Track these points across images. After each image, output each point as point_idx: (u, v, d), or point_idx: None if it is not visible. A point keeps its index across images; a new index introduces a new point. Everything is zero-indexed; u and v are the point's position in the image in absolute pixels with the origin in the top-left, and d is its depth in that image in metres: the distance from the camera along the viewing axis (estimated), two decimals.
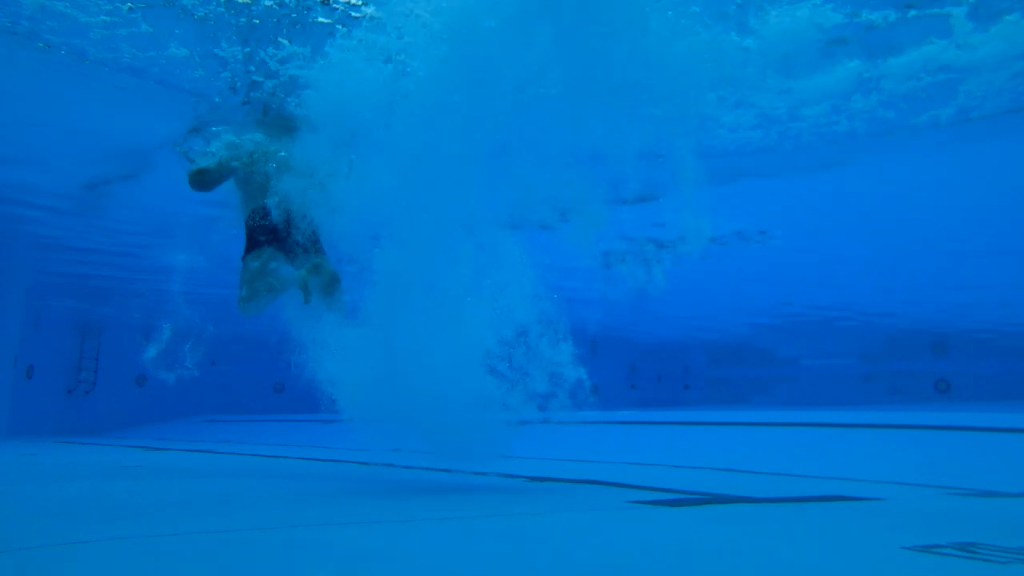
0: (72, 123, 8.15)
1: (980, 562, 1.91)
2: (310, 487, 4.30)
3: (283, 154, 5.14)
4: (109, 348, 20.28)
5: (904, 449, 6.16)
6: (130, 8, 5.66)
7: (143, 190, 10.49)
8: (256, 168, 5.05)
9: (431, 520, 2.73)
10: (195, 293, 14.42)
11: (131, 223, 11.84)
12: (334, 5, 5.68)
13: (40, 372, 19.06)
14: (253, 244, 4.94)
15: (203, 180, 5.10)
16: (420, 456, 7.53)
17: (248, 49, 6.12)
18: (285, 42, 5.98)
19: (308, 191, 4.62)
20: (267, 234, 4.89)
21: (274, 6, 5.66)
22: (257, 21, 5.78)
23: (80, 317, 19.76)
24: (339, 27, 5.83)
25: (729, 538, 2.39)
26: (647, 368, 27.75)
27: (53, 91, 7.33)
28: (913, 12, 5.68)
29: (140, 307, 16.68)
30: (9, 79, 7.12)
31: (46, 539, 2.30)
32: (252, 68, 6.37)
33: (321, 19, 5.79)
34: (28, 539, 2.30)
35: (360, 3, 5.64)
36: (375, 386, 3.76)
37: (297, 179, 4.74)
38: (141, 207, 11.14)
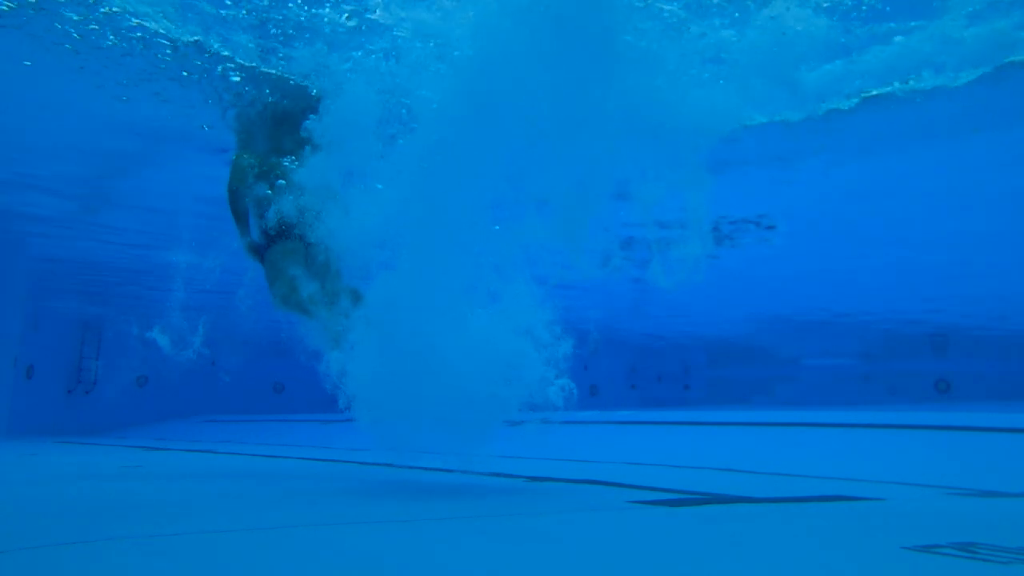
0: (74, 116, 8.08)
1: (980, 562, 1.91)
2: (310, 487, 4.30)
3: (287, 164, 5.20)
4: (109, 348, 20.30)
5: (904, 449, 6.16)
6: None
7: (146, 189, 10.48)
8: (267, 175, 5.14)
9: (431, 520, 2.73)
10: (195, 294, 14.43)
11: (134, 222, 11.84)
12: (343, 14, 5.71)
13: (40, 372, 19.06)
14: (269, 241, 4.96)
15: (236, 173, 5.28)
16: (420, 456, 7.53)
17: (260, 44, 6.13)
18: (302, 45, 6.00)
19: (321, 199, 4.67)
20: (281, 232, 4.91)
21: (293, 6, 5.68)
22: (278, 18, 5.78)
23: (80, 317, 19.77)
24: (354, 34, 5.86)
25: (729, 538, 2.39)
26: (647, 368, 27.76)
27: (53, 80, 7.24)
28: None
29: (140, 307, 16.70)
30: (4, 71, 7.04)
31: (46, 539, 2.29)
32: (264, 64, 6.35)
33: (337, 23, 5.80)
34: (28, 539, 2.30)
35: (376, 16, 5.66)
36: (383, 384, 3.75)
37: (309, 189, 4.78)
38: (144, 206, 11.14)
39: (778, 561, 1.99)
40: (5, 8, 5.72)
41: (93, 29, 6.08)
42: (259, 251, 5.23)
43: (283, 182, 5.12)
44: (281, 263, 4.85)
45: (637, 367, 27.65)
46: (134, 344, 14.28)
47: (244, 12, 5.74)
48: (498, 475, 4.95)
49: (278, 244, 4.94)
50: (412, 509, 3.10)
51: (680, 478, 4.93)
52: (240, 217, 5.32)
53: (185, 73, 6.80)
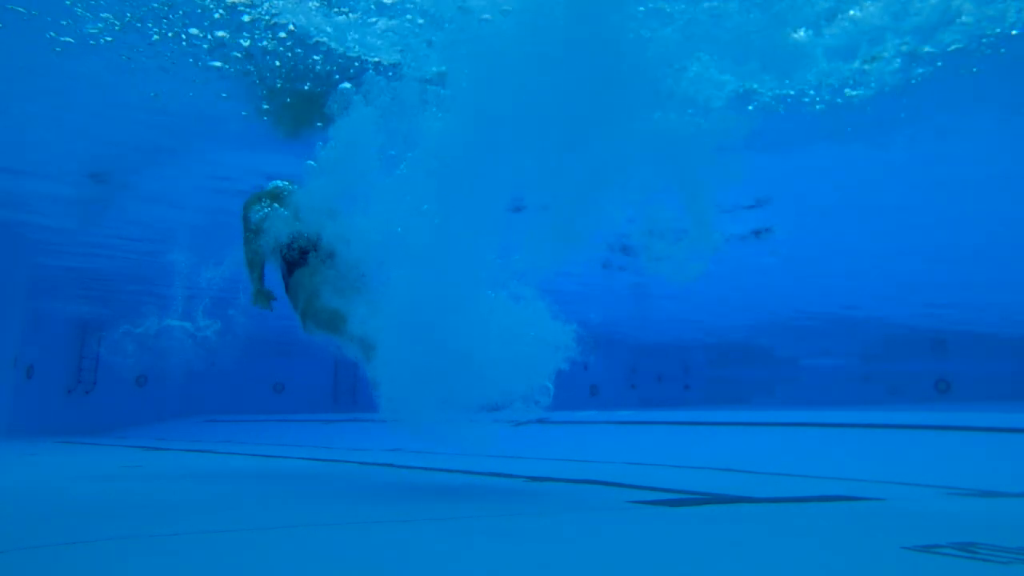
0: (76, 115, 7.99)
1: (980, 562, 1.91)
2: (310, 487, 4.30)
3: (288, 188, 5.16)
4: (109, 348, 20.32)
5: (904, 449, 6.16)
6: None
7: (148, 189, 10.47)
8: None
9: (431, 520, 2.73)
10: (196, 294, 14.44)
11: (136, 223, 11.84)
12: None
13: (40, 372, 19.07)
14: (294, 264, 4.91)
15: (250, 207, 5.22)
16: (420, 456, 7.52)
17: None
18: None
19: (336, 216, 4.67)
20: (303, 251, 4.88)
21: None
22: None
23: (80, 317, 19.79)
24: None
25: (729, 538, 2.39)
26: (647, 368, 27.77)
27: (55, 80, 7.11)
28: None
29: (140, 308, 16.73)
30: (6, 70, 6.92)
31: (46, 539, 2.29)
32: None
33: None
34: (28, 539, 2.30)
35: None
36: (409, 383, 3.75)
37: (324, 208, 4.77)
38: (146, 207, 11.13)
39: (778, 561, 1.99)
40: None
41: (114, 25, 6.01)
42: (270, 296, 5.15)
43: (284, 207, 5.05)
44: (305, 287, 4.81)
45: (637, 367, 27.66)
46: (134, 344, 14.29)
47: None
48: (498, 475, 4.95)
49: (299, 268, 4.90)
50: (412, 509, 3.10)
51: (680, 478, 4.93)
52: (256, 264, 5.18)
53: (217, 63, 6.69)
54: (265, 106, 7.49)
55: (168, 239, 12.60)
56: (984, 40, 6.24)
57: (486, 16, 3.51)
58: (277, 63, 6.79)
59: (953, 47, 6.35)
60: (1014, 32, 6.12)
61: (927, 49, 6.42)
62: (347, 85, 4.81)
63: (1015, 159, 8.78)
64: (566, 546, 2.21)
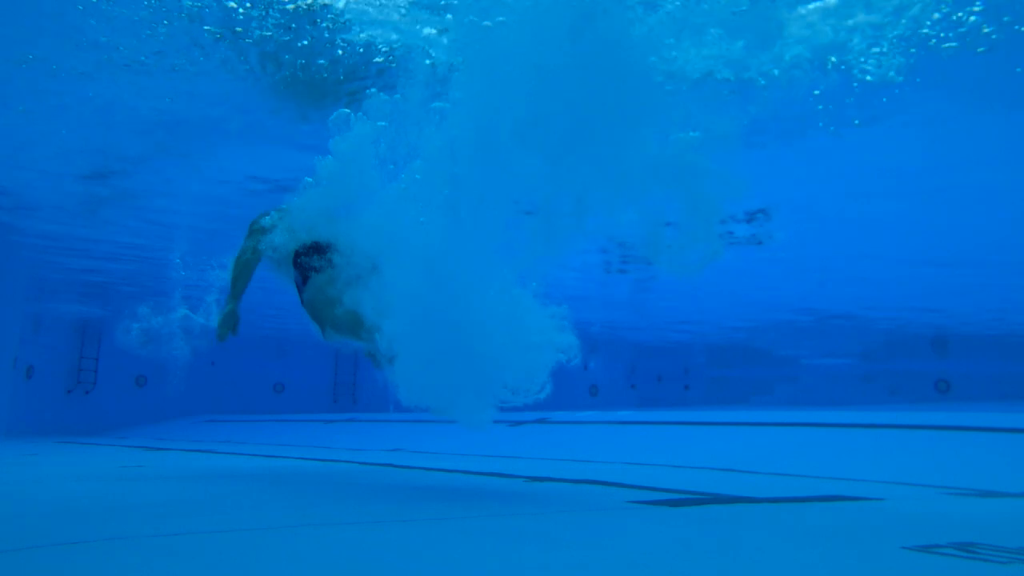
0: (76, 116, 7.95)
1: (980, 562, 1.91)
2: (310, 487, 4.30)
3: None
4: (109, 348, 20.33)
5: (904, 449, 6.16)
6: None
7: (148, 189, 10.46)
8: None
9: (430, 520, 2.73)
10: (196, 294, 14.45)
11: (135, 222, 11.84)
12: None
13: (40, 372, 19.07)
14: (307, 273, 4.88)
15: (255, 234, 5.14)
16: (420, 456, 7.53)
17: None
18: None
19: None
20: (314, 256, 4.86)
21: None
22: None
23: (80, 317, 19.80)
24: None
25: (729, 538, 2.39)
26: (647, 368, 27.79)
27: (56, 81, 7.09)
28: None
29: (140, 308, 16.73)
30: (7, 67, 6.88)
31: (46, 539, 2.30)
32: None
33: None
34: (28, 539, 2.30)
35: None
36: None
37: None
38: (146, 206, 11.12)
39: (778, 561, 2.00)
40: None
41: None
42: (237, 321, 5.10)
43: (295, 219, 5.02)
44: (322, 295, 4.78)
45: (637, 367, 27.69)
46: (134, 344, 14.30)
47: None
48: (498, 475, 4.95)
49: (314, 277, 4.87)
50: (411, 509, 3.10)
51: (680, 478, 4.93)
52: (246, 269, 5.11)
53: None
54: (270, 79, 7.38)
55: (169, 239, 12.61)
56: (979, 36, 6.18)
57: (487, 23, 3.50)
58: (284, 41, 6.71)
59: (949, 44, 6.31)
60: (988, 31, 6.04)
61: (921, 45, 6.37)
62: (346, 110, 4.82)
63: (1017, 160, 8.76)
64: (566, 546, 2.21)
